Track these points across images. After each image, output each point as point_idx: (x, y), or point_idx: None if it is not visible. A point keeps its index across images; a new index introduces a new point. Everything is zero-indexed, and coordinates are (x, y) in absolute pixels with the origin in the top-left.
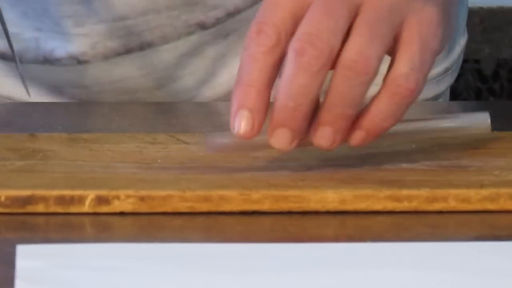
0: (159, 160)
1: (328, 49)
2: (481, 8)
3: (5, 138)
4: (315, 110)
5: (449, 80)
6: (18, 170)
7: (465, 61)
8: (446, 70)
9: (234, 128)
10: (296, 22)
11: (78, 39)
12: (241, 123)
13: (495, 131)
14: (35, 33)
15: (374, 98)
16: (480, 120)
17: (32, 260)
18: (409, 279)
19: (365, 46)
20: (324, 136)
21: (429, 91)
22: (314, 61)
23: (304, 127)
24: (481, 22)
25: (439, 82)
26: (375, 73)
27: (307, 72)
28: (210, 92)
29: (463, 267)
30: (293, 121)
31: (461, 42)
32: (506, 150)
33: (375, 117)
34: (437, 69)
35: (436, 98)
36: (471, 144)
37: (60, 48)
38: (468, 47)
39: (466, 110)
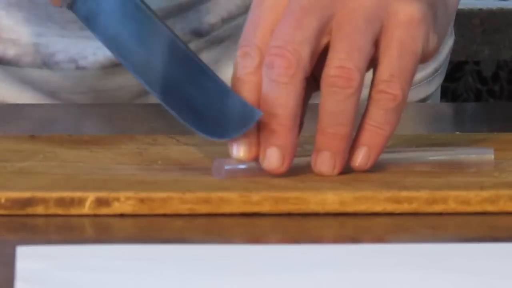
0: (159, 162)
1: (295, 59)
2: (481, 10)
3: (5, 139)
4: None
5: (438, 80)
6: (18, 172)
7: (465, 62)
8: (435, 71)
9: (233, 152)
10: None
11: (82, 42)
12: (239, 147)
13: (495, 132)
14: (35, 38)
15: (364, 111)
16: (484, 155)
17: (32, 262)
18: (409, 280)
19: (344, 60)
20: (324, 162)
21: (420, 93)
22: (283, 71)
23: (292, 144)
24: (481, 23)
25: (429, 83)
26: (359, 85)
27: (279, 84)
28: None
29: (463, 269)
30: (278, 138)
31: (449, 42)
32: (506, 151)
33: (370, 126)
34: (426, 71)
35: (426, 99)
36: (471, 146)
37: (61, 51)
38: (468, 48)
39: (465, 111)
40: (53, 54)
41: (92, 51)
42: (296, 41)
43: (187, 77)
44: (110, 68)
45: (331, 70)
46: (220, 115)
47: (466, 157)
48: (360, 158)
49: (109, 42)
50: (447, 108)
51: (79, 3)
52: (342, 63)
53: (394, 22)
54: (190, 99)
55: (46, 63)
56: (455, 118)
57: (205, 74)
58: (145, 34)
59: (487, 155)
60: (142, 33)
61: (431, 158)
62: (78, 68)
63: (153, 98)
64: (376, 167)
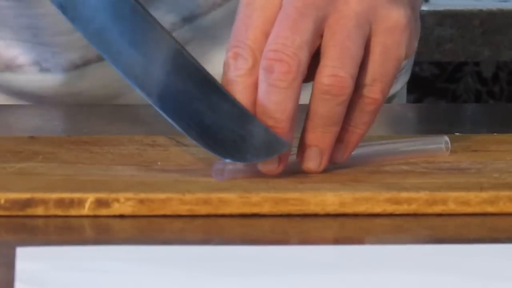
0: (159, 163)
1: (295, 64)
2: (480, 11)
3: (4, 140)
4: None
5: (404, 79)
6: (17, 173)
7: (464, 63)
8: (401, 69)
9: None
10: (268, 38)
11: (39, 47)
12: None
13: (495, 133)
14: None
15: None
16: (437, 145)
17: (32, 262)
18: (409, 282)
19: (337, 69)
20: (311, 158)
21: None
22: (283, 76)
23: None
24: (481, 24)
25: (395, 82)
26: (351, 91)
27: (278, 88)
28: None
29: (462, 270)
30: None
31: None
32: (505, 152)
33: (348, 125)
34: None
35: (392, 97)
36: (471, 147)
37: (22, 54)
38: (467, 49)
39: (465, 111)
40: (15, 56)
41: (51, 54)
42: (295, 45)
43: (194, 91)
44: (72, 70)
45: (324, 78)
46: (238, 139)
47: (421, 147)
48: (336, 153)
49: (92, 35)
50: (446, 109)
51: None
52: (336, 71)
53: (381, 27)
54: (197, 115)
55: (9, 66)
56: (454, 119)
57: (217, 92)
58: (142, 37)
59: (439, 144)
60: (137, 36)
61: (391, 150)
62: (42, 70)
63: (124, 101)
64: (376, 168)
